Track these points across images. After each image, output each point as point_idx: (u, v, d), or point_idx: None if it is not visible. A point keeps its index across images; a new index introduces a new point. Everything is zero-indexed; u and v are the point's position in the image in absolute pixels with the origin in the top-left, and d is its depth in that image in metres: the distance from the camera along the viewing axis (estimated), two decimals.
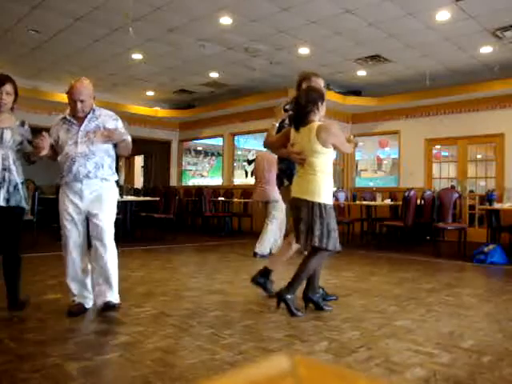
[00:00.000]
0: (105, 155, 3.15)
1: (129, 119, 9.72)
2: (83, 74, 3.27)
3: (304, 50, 7.69)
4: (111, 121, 3.20)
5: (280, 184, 3.70)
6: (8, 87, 3.02)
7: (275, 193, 6.02)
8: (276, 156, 6.52)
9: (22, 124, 3.15)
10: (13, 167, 3.05)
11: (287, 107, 3.63)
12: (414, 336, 2.71)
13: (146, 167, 14.12)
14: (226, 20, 6.44)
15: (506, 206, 6.58)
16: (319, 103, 3.16)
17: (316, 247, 3.09)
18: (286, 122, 3.57)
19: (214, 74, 9.33)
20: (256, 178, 6.62)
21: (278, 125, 3.57)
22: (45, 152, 3.02)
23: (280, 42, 7.32)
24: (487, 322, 3.11)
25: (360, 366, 2.21)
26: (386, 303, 3.56)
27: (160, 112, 11.58)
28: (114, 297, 3.05)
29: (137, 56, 8.17)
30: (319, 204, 3.07)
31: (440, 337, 2.72)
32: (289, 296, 3.10)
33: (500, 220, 6.77)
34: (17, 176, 3.07)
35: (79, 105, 3.05)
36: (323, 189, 3.10)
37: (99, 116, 3.16)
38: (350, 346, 2.52)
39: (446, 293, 4.00)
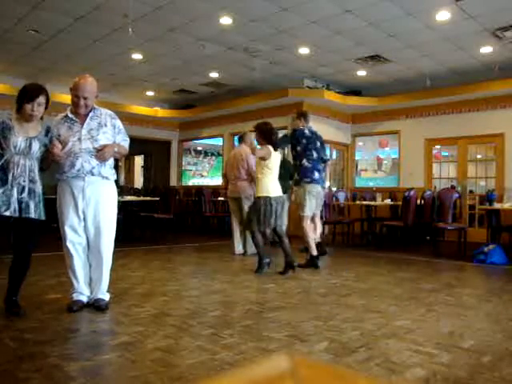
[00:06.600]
0: None
1: (129, 119, 9.72)
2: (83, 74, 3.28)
3: (304, 50, 7.69)
4: (111, 120, 3.23)
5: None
6: (41, 99, 2.93)
7: (246, 189, 6.06)
8: (246, 153, 6.35)
9: (47, 133, 3.06)
10: (37, 178, 3.01)
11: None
12: (414, 336, 2.71)
13: (145, 167, 14.12)
14: (225, 20, 6.44)
15: (506, 205, 6.57)
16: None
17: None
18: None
19: (214, 74, 9.33)
20: (227, 176, 6.57)
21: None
22: (62, 159, 3.04)
23: (280, 42, 7.32)
24: (487, 322, 3.11)
25: (360, 366, 2.21)
26: (386, 303, 3.56)
27: (160, 112, 11.57)
28: (104, 295, 3.23)
29: (137, 56, 8.17)
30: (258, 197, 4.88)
31: (440, 337, 2.71)
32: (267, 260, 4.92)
33: (500, 220, 6.76)
34: (39, 187, 3.03)
35: (82, 101, 3.07)
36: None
37: (100, 115, 3.20)
38: (350, 345, 2.51)
39: (446, 293, 3.99)
